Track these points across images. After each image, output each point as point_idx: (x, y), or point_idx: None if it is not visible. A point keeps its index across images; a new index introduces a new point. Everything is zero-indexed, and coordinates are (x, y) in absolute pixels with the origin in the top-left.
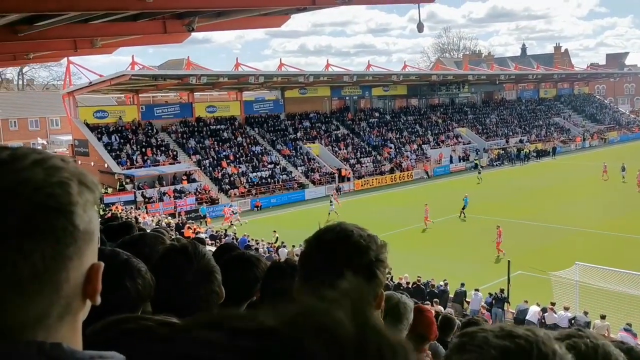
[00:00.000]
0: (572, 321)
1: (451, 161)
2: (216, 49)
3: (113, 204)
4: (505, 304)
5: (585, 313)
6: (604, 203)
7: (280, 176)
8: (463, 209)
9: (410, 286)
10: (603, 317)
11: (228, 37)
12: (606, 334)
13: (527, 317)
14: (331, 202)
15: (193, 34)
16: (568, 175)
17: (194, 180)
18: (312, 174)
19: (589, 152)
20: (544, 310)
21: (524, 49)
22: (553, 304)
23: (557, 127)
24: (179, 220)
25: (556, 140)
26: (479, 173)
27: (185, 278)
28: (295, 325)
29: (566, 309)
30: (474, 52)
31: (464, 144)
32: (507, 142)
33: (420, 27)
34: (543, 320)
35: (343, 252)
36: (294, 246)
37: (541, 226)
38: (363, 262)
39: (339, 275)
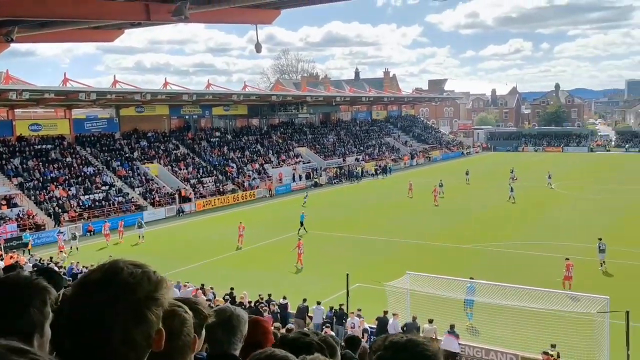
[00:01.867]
0: (404, 328)
1: (295, 179)
2: (41, 62)
3: None
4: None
5: (414, 318)
6: (427, 216)
7: (116, 198)
8: (301, 224)
9: (252, 304)
10: (431, 321)
11: (55, 50)
12: (434, 337)
13: (388, 328)
14: (140, 225)
15: (13, 45)
16: (398, 191)
17: (15, 205)
18: (151, 195)
19: (416, 170)
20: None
21: (357, 72)
22: (389, 312)
23: (389, 147)
24: None
25: (388, 159)
26: (305, 197)
27: None
28: None
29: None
30: (311, 75)
31: (304, 163)
32: (344, 160)
33: (258, 48)
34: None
35: (108, 293)
36: None
37: (376, 240)
38: (130, 302)
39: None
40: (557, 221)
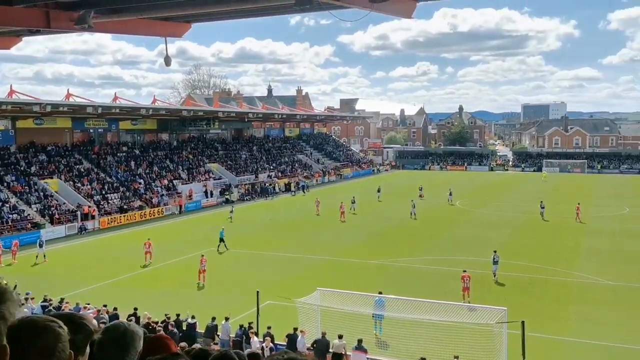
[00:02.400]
0: (314, 345)
1: (207, 196)
2: None
3: None
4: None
5: (324, 334)
6: (338, 233)
7: (10, 215)
8: (221, 241)
9: (158, 325)
10: (340, 337)
11: None
12: (343, 352)
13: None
14: (41, 244)
15: None
16: (310, 208)
17: None
18: (50, 211)
19: (328, 187)
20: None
21: (270, 90)
22: (297, 329)
23: (301, 164)
24: None
25: (300, 176)
26: (231, 212)
27: None
28: None
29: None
30: (224, 90)
31: (215, 180)
32: (256, 177)
33: (167, 61)
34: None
35: None
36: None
37: (287, 256)
38: None
39: None
40: (459, 236)
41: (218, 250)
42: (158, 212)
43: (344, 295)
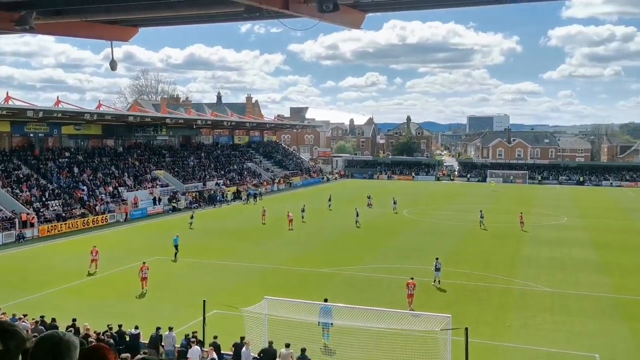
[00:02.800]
0: (261, 354)
1: (155, 203)
2: None
3: None
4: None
5: (271, 343)
6: (287, 241)
7: None
8: (176, 248)
9: (100, 336)
10: (288, 346)
11: None
12: None
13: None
14: None
15: None
16: (258, 217)
17: None
18: None
19: (277, 195)
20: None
21: (219, 97)
22: (244, 338)
23: (250, 172)
24: None
25: (249, 184)
26: (192, 217)
27: None
28: None
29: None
30: (172, 97)
31: (162, 187)
32: (204, 185)
33: (113, 65)
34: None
35: None
36: None
37: (235, 265)
38: None
39: None
40: (406, 245)
41: (175, 258)
42: (102, 219)
43: (292, 304)
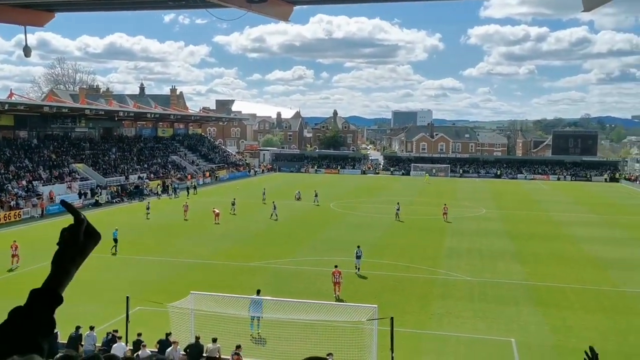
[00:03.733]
0: (187, 350)
1: (79, 197)
2: None
3: None
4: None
5: (197, 338)
6: (214, 235)
7: None
8: (115, 242)
9: None
10: (215, 340)
11: None
12: (217, 355)
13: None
14: None
15: None
16: (182, 211)
17: None
18: None
19: (203, 189)
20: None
21: (142, 88)
22: (170, 334)
23: (174, 165)
24: None
25: (173, 177)
26: (148, 208)
27: None
28: None
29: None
30: (91, 87)
31: (81, 180)
32: (126, 178)
33: (27, 52)
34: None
35: None
36: None
37: (161, 260)
38: None
39: None
40: (333, 237)
41: (114, 251)
42: (15, 215)
43: (219, 299)
